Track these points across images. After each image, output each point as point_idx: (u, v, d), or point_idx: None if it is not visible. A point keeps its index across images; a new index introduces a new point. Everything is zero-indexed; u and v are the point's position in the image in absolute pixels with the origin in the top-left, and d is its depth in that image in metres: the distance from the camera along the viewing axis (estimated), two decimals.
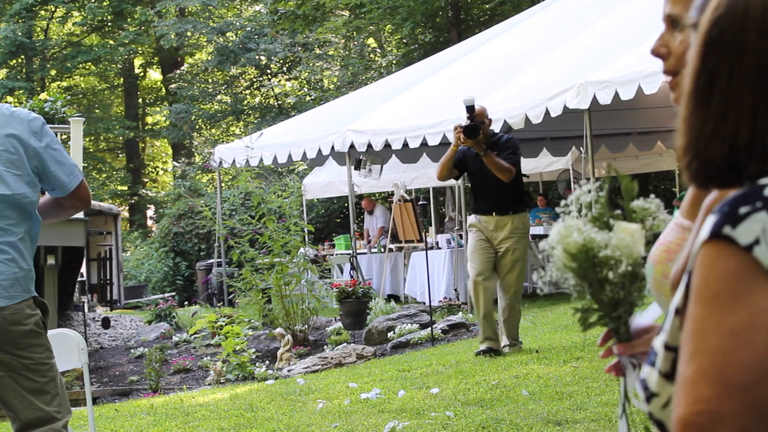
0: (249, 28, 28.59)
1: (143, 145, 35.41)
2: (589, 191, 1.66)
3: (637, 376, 1.63)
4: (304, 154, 13.45)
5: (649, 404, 1.28)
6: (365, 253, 14.47)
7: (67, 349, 4.26)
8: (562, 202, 1.68)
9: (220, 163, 14.48)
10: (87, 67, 32.16)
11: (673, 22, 1.62)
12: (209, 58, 29.74)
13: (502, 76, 12.17)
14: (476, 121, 7.25)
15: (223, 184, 17.53)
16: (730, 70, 1.16)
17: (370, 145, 12.33)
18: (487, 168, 7.36)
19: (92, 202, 17.99)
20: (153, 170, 36.18)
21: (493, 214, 7.54)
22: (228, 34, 29.03)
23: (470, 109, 7.26)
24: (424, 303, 11.76)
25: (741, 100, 1.15)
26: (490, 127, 7.63)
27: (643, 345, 1.60)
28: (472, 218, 7.73)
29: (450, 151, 7.48)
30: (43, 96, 12.60)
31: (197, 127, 30.34)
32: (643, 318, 1.64)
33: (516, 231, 7.52)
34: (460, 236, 12.24)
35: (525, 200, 7.86)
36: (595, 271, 1.57)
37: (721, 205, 1.14)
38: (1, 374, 3.46)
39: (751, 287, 1.10)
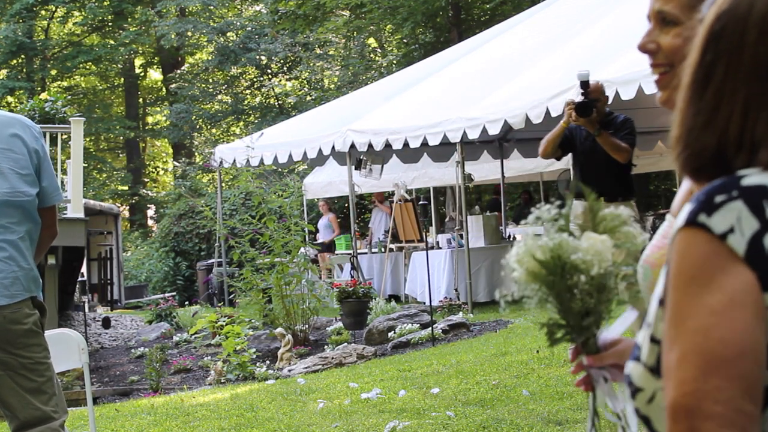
0: (249, 28, 28.60)
1: (144, 145, 35.41)
2: (549, 210, 1.64)
3: (608, 389, 1.63)
4: (305, 154, 13.45)
5: (635, 400, 1.27)
6: (366, 253, 14.47)
7: (68, 349, 4.26)
8: (529, 218, 1.65)
9: (221, 163, 14.48)
10: (87, 67, 32.16)
11: (663, 20, 1.61)
12: (210, 58, 29.74)
13: (503, 76, 12.17)
14: (590, 98, 6.61)
15: (223, 184, 17.54)
16: (727, 65, 1.18)
17: (370, 145, 12.33)
18: (599, 149, 6.74)
19: (93, 201, 18.02)
20: (153, 170, 36.19)
21: (602, 199, 7.13)
22: (228, 34, 29.03)
23: (584, 84, 6.57)
24: (425, 303, 11.75)
25: (734, 94, 1.17)
26: (606, 106, 6.95)
27: (612, 357, 1.59)
28: (577, 205, 7.33)
29: (558, 127, 6.84)
30: (43, 96, 12.59)
31: (198, 127, 30.34)
32: (610, 331, 1.62)
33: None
34: (461, 236, 12.23)
35: (633, 187, 7.09)
36: (565, 279, 1.54)
37: (698, 194, 1.16)
38: (0, 373, 3.47)
39: (726, 270, 1.11)
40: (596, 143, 6.73)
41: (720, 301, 1.10)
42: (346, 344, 9.34)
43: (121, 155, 35.21)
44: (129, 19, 31.10)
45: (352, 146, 12.56)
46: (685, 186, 1.52)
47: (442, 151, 13.11)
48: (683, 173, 1.24)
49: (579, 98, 6.64)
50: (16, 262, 3.49)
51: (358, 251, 13.57)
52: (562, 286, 1.55)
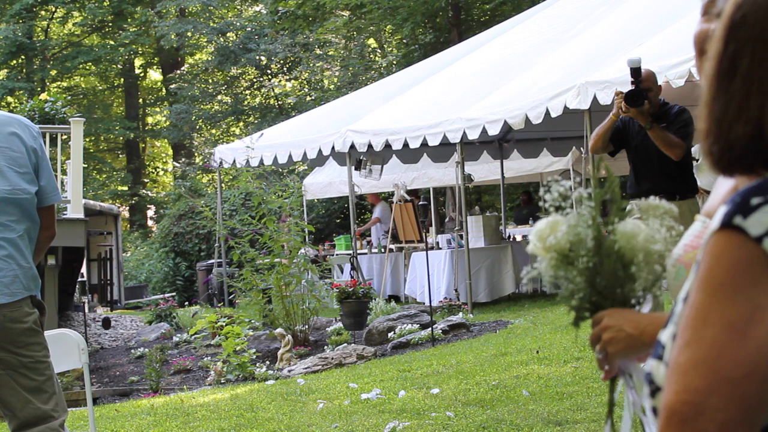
0: (249, 29, 28.60)
1: (143, 145, 35.42)
2: (572, 188, 1.67)
3: (633, 384, 1.64)
4: (305, 154, 13.45)
5: (654, 399, 1.27)
6: (366, 254, 14.48)
7: (68, 349, 4.26)
8: (548, 196, 1.70)
9: (221, 163, 14.49)
10: (87, 67, 32.16)
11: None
12: (209, 58, 29.75)
13: (502, 76, 12.17)
14: (642, 87, 5.86)
15: (223, 185, 17.54)
16: (752, 53, 1.15)
17: (370, 146, 12.33)
18: (652, 143, 6.05)
19: (92, 202, 18.01)
20: (153, 170, 36.19)
21: (658, 198, 6.42)
22: (228, 35, 29.04)
23: (635, 72, 5.81)
24: (425, 303, 11.75)
25: (763, 83, 1.14)
26: (660, 95, 6.22)
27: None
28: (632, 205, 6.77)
29: (608, 120, 6.12)
30: (43, 96, 12.57)
31: (197, 127, 30.34)
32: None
33: (683, 221, 6.37)
34: (461, 236, 12.23)
35: (695, 185, 6.36)
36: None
37: (734, 195, 1.14)
38: (0, 372, 3.46)
39: (756, 280, 1.10)
40: (649, 137, 6.07)
41: (741, 315, 1.09)
42: (345, 345, 9.33)
43: (120, 156, 35.22)
44: (129, 20, 31.10)
45: (352, 147, 12.57)
46: (723, 186, 1.49)
47: (441, 151, 13.11)
48: (715, 168, 1.20)
49: (630, 87, 5.92)
50: (16, 260, 3.50)
51: (358, 251, 13.57)
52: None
